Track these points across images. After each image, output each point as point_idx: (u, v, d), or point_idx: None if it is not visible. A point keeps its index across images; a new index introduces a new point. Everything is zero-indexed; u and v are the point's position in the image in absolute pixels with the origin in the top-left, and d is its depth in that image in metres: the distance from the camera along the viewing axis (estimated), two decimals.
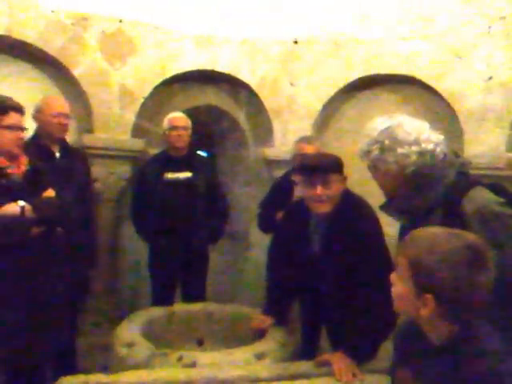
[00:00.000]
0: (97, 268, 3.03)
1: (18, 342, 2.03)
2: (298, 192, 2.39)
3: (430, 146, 1.52)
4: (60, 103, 2.83)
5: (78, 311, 2.89)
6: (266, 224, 3.29)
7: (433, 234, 1.17)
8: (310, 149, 2.99)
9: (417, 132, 1.55)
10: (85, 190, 2.88)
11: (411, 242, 1.19)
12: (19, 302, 2.04)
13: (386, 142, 1.55)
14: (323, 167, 2.04)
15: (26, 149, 2.47)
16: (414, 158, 1.51)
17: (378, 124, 1.62)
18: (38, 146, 2.67)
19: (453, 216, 1.45)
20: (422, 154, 1.52)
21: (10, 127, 2.07)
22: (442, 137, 1.58)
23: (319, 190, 2.02)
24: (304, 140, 3.14)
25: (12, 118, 2.09)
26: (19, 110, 2.14)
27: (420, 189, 1.56)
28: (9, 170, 2.07)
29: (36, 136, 2.73)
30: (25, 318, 2.04)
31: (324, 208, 2.07)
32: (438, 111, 3.45)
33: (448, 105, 3.40)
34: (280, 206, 2.99)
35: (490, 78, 3.25)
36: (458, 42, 3.33)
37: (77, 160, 2.87)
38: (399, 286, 1.20)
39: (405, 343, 1.35)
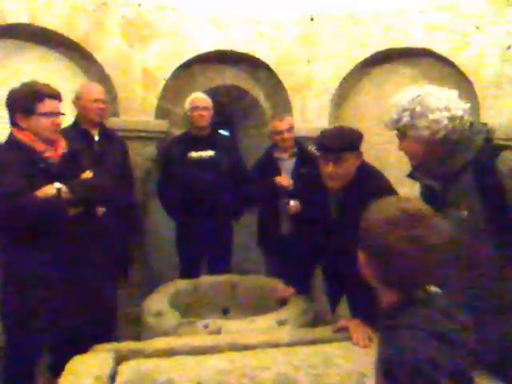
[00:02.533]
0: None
1: (64, 319, 2.12)
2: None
3: (460, 113, 1.57)
4: (98, 89, 2.95)
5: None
6: (248, 202, 3.42)
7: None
8: (283, 125, 3.24)
9: (447, 99, 1.60)
10: (123, 170, 3.01)
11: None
12: (61, 281, 2.10)
13: (418, 108, 1.60)
14: (336, 147, 2.06)
15: (66, 133, 2.57)
16: (444, 123, 1.56)
17: (406, 93, 1.66)
18: (77, 131, 2.81)
19: (485, 176, 1.50)
20: (452, 119, 1.57)
21: (45, 114, 2.12)
22: (468, 105, 1.63)
23: (331, 167, 2.08)
24: (277, 118, 3.37)
25: (47, 105, 2.12)
26: (55, 96, 2.17)
27: (450, 154, 1.61)
28: (46, 154, 2.14)
29: (76, 121, 2.88)
30: (68, 298, 2.11)
31: (335, 184, 2.13)
32: (454, 83, 3.40)
33: (465, 76, 3.36)
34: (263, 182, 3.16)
35: (509, 48, 3.19)
36: (475, 12, 3.27)
37: (114, 143, 3.00)
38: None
39: None
